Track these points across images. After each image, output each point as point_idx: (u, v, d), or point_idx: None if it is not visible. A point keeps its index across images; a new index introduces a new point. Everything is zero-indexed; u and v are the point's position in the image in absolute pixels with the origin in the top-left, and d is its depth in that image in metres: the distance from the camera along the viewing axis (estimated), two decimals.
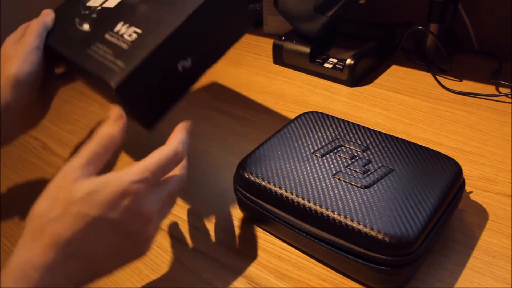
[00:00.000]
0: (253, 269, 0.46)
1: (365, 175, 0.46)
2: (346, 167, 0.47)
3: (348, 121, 0.54)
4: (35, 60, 0.51)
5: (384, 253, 0.40)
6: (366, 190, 0.44)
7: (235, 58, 0.88)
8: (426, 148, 0.50)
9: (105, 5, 0.53)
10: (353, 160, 0.48)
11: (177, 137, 0.42)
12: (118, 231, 0.36)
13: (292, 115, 0.58)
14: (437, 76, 0.77)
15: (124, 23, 0.49)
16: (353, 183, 0.45)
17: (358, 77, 0.77)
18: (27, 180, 0.60)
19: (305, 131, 0.53)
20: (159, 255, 0.49)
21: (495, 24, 0.82)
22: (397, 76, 0.79)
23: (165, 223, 0.52)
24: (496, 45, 0.82)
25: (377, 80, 0.78)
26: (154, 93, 0.47)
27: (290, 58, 0.83)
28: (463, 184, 0.48)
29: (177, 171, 0.42)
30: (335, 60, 0.78)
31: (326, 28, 0.78)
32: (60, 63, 0.58)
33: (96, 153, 0.38)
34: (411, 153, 0.49)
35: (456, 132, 0.64)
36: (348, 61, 0.75)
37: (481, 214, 0.50)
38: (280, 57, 0.84)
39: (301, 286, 0.44)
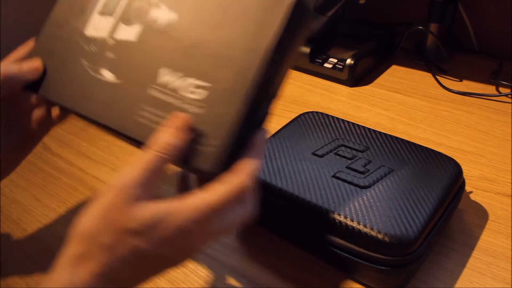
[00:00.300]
0: (253, 269, 0.46)
1: (365, 175, 0.46)
2: (346, 167, 0.47)
3: (348, 121, 0.54)
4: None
5: (384, 253, 0.40)
6: (366, 190, 0.44)
7: None
8: (426, 148, 0.50)
9: (118, 37, 0.40)
10: (353, 160, 0.48)
11: (247, 170, 0.34)
12: (166, 263, 0.34)
13: (292, 115, 0.58)
14: (437, 76, 0.77)
15: (171, 71, 0.37)
16: (353, 183, 0.45)
17: (358, 77, 0.77)
18: (27, 179, 0.60)
19: (305, 131, 0.53)
20: None
21: (495, 24, 0.82)
22: (397, 76, 0.79)
23: None
24: (496, 45, 0.82)
25: (377, 80, 0.78)
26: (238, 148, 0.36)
27: None
28: (463, 184, 0.48)
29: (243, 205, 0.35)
30: (335, 60, 0.78)
31: (326, 28, 0.78)
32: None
33: (157, 169, 0.33)
34: (411, 153, 0.49)
35: (456, 132, 0.64)
36: (348, 61, 0.75)
37: (481, 214, 0.50)
38: None
39: (301, 286, 0.44)
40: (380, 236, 0.40)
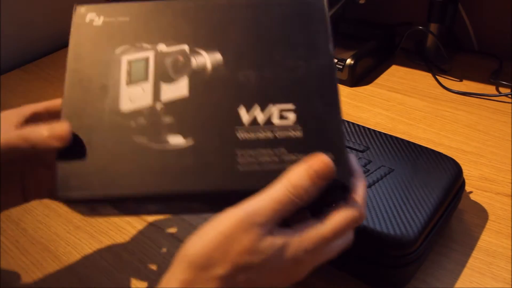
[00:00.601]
0: None
1: (365, 175, 0.46)
2: None
3: (348, 121, 0.54)
4: None
5: (384, 253, 0.40)
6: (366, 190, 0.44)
7: None
8: (426, 148, 0.50)
9: (167, 98, 0.35)
10: None
11: (362, 196, 0.33)
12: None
13: None
14: (437, 76, 0.77)
15: (250, 108, 0.34)
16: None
17: (358, 77, 0.77)
18: None
19: None
20: (159, 255, 0.49)
21: (495, 24, 0.82)
22: (397, 76, 0.79)
23: (165, 223, 0.52)
24: (496, 45, 0.82)
25: (377, 80, 0.78)
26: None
27: None
28: (463, 184, 0.48)
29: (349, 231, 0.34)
30: (335, 60, 0.77)
31: None
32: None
33: (284, 211, 0.31)
34: (411, 153, 0.49)
35: (456, 132, 0.64)
36: (348, 61, 0.75)
37: (481, 214, 0.50)
38: None
39: (301, 286, 0.44)
40: (380, 236, 0.40)
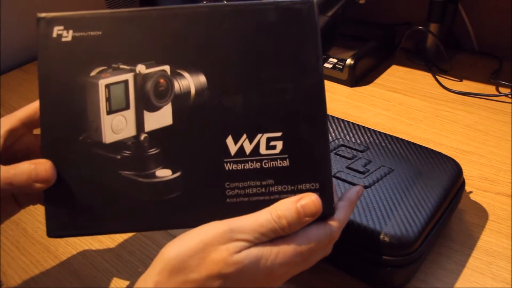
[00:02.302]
0: None
1: (365, 175, 0.46)
2: (346, 167, 0.47)
3: (348, 121, 0.54)
4: None
5: (384, 253, 0.40)
6: (366, 190, 0.44)
7: None
8: (426, 148, 0.50)
9: (151, 128, 0.34)
10: (353, 160, 0.48)
11: (342, 219, 0.35)
12: None
13: None
14: (437, 76, 0.77)
15: (237, 137, 0.33)
16: (353, 183, 0.45)
17: (358, 77, 0.77)
18: None
19: None
20: None
21: (495, 24, 0.82)
22: (397, 76, 0.79)
23: None
24: (496, 45, 0.82)
25: (377, 80, 0.78)
26: None
27: None
28: (463, 184, 0.48)
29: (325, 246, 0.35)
30: (335, 60, 0.78)
31: (326, 28, 0.78)
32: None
33: (265, 234, 0.32)
34: (411, 153, 0.49)
35: (456, 132, 0.64)
36: (348, 61, 0.75)
37: (481, 214, 0.50)
38: None
39: (301, 286, 0.44)
40: (380, 236, 0.40)
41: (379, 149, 0.50)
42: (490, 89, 0.73)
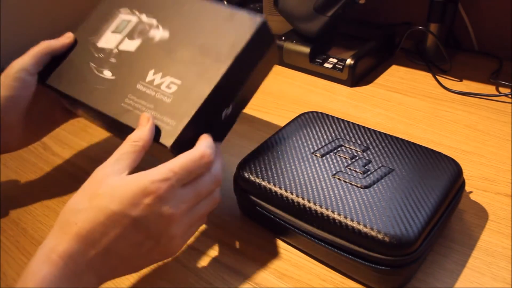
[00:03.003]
0: (253, 269, 0.46)
1: (365, 175, 0.46)
2: (346, 167, 0.47)
3: (348, 121, 0.55)
4: (17, 85, 0.50)
5: (384, 253, 0.40)
6: (366, 190, 0.44)
7: None
8: (426, 148, 0.50)
9: (122, 48, 0.50)
10: (353, 160, 0.48)
11: (203, 142, 0.42)
12: (138, 229, 0.37)
13: (292, 115, 0.58)
14: (437, 76, 0.77)
15: (156, 72, 0.47)
16: (353, 183, 0.45)
17: (358, 77, 0.77)
18: (27, 180, 0.60)
19: (305, 131, 0.53)
20: None
21: (495, 24, 0.82)
22: (397, 76, 0.79)
23: None
24: (496, 45, 0.82)
25: (377, 80, 0.78)
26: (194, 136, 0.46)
27: (290, 58, 0.83)
28: (463, 184, 0.48)
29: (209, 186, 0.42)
30: (335, 60, 0.78)
31: (326, 28, 0.79)
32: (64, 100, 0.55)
33: (125, 152, 0.40)
34: (411, 153, 0.49)
35: (456, 132, 0.64)
36: (348, 61, 0.75)
37: (481, 214, 0.50)
38: (280, 57, 0.84)
39: (301, 286, 0.44)
40: (380, 236, 0.40)
41: (379, 149, 0.50)
42: (490, 89, 0.73)
